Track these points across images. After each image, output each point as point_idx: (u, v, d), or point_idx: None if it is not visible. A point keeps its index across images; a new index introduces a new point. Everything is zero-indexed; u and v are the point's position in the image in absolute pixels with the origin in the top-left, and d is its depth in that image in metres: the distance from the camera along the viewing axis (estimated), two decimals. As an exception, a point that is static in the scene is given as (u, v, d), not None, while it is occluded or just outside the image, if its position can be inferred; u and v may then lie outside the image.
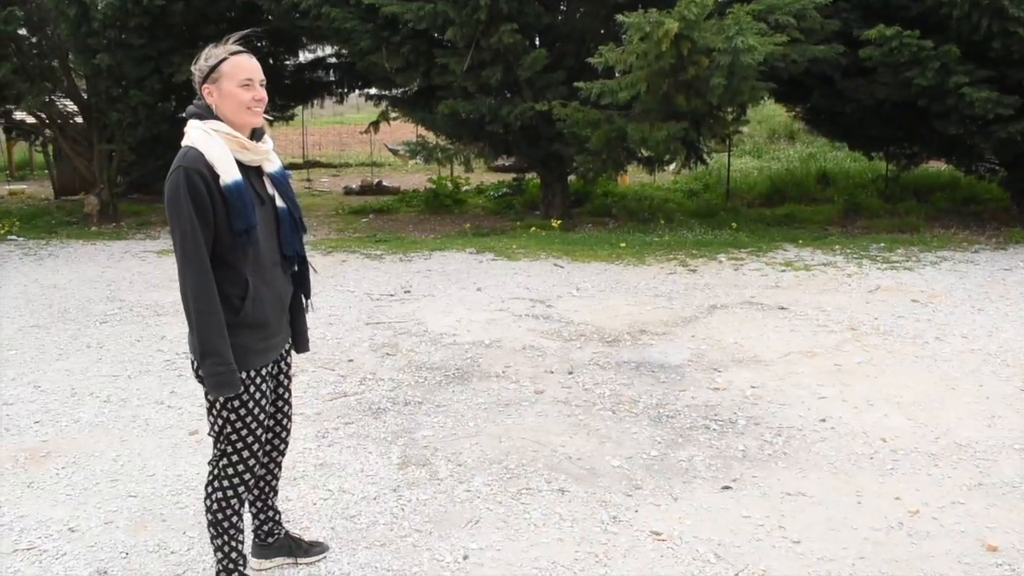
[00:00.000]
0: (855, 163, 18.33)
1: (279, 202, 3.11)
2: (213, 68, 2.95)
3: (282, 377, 3.32)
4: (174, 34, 12.66)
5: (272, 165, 3.11)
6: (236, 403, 3.04)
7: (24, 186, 19.71)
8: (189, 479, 4.44)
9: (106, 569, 3.60)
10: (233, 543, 3.21)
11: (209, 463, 3.18)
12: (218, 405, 3.04)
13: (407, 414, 5.30)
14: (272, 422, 3.34)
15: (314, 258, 10.30)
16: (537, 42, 12.65)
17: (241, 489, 3.16)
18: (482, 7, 10.90)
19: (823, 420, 5.11)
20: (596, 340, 6.83)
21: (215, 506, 3.15)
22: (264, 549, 3.55)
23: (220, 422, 3.07)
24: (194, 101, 3.05)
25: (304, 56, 16.09)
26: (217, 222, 2.88)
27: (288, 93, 15.65)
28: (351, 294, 8.55)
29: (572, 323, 7.35)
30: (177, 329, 7.28)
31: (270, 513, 3.52)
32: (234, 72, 2.94)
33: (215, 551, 3.22)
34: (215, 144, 2.90)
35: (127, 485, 4.39)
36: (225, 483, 3.14)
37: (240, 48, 2.99)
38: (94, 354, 6.69)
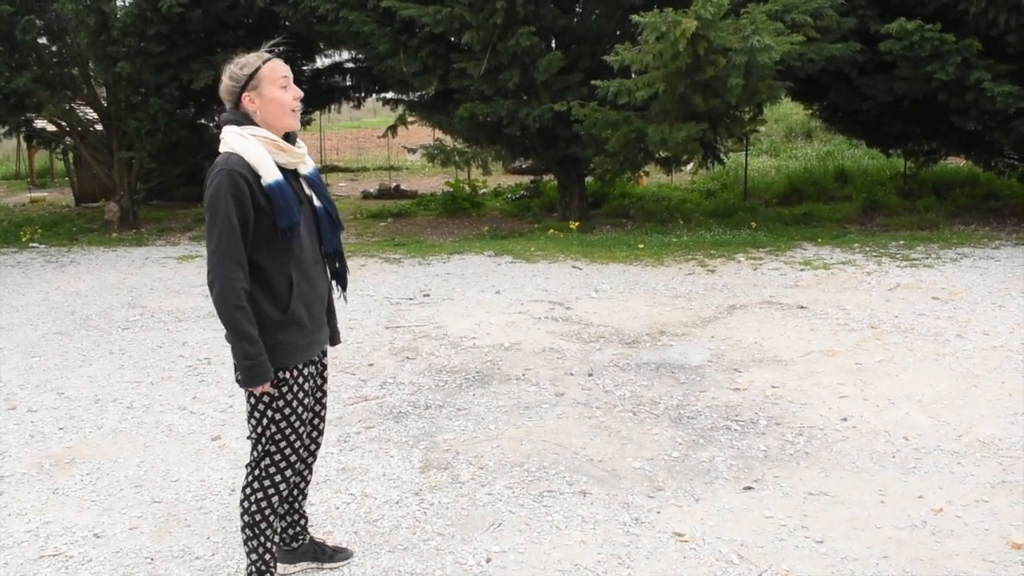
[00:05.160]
0: (873, 160, 18.23)
1: (316, 202, 3.21)
2: (252, 76, 3.04)
3: (319, 379, 3.37)
4: (193, 41, 12.76)
5: (307, 167, 3.21)
6: (280, 403, 3.10)
7: (45, 193, 19.87)
8: (212, 484, 4.47)
9: (131, 574, 3.63)
10: (269, 544, 3.24)
11: (247, 466, 3.21)
12: (261, 406, 3.10)
13: (428, 417, 5.32)
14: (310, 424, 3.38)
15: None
16: (553, 44, 12.66)
17: (283, 488, 3.20)
18: (498, 10, 10.92)
19: (845, 419, 5.09)
20: (615, 342, 6.83)
21: (253, 507, 3.18)
22: (289, 554, 3.57)
23: (264, 423, 3.12)
24: (224, 113, 3.11)
25: (321, 61, 16.17)
26: (260, 223, 2.97)
27: (305, 98, 15.32)
28: (370, 298, 8.58)
29: (591, 325, 7.35)
30: (198, 335, 7.33)
31: (297, 517, 3.54)
32: (272, 75, 3.06)
33: (249, 552, 3.24)
34: (254, 147, 3.00)
35: (151, 491, 4.43)
36: (267, 483, 3.17)
37: (270, 54, 3.11)
38: (117, 360, 6.75)
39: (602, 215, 14.25)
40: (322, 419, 3.44)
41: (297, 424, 3.16)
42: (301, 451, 3.23)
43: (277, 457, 3.16)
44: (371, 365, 6.42)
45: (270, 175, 2.98)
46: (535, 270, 9.78)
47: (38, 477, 4.63)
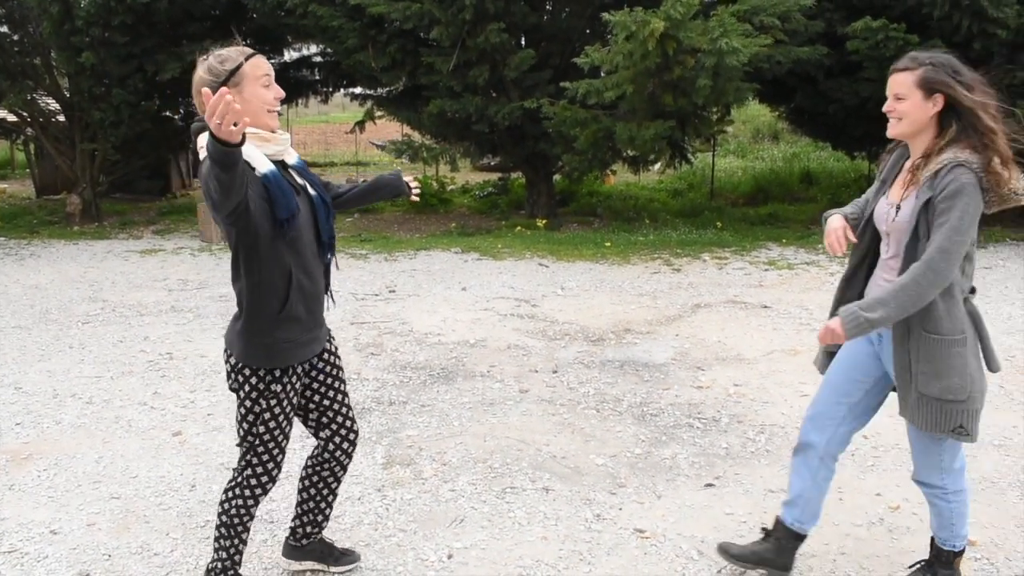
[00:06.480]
0: (838, 163, 18.44)
1: (311, 190, 3.11)
2: (233, 72, 2.83)
3: (333, 368, 3.31)
4: (158, 32, 12.62)
5: (292, 157, 3.10)
6: (267, 415, 3.04)
7: (5, 185, 19.58)
8: (172, 480, 4.43)
9: (88, 571, 3.59)
10: (241, 546, 3.20)
11: (234, 470, 3.17)
12: (251, 416, 3.04)
13: (392, 414, 5.31)
14: (327, 418, 3.33)
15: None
16: (523, 42, 12.67)
17: (261, 497, 3.16)
18: (467, 7, 10.91)
19: (806, 418, 5.13)
20: (581, 339, 6.85)
21: (232, 510, 3.14)
22: (296, 550, 3.52)
23: (253, 432, 3.06)
24: (195, 122, 2.97)
25: (289, 55, 16.07)
26: (256, 217, 2.80)
27: (273, 93, 15.59)
28: (336, 293, 8.50)
29: (557, 322, 7.36)
30: (160, 330, 7.25)
31: (318, 517, 3.48)
32: (255, 72, 2.87)
33: (218, 549, 3.20)
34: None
35: (110, 487, 4.38)
36: (247, 492, 3.13)
37: (252, 50, 2.93)
38: (76, 355, 6.66)
39: (569, 213, 14.29)
40: (349, 408, 3.40)
41: (281, 438, 3.11)
42: (281, 461, 3.17)
43: (259, 470, 3.12)
44: (335, 361, 6.38)
45: (263, 165, 2.84)
46: (502, 267, 9.78)
47: (-6, 472, 4.57)
